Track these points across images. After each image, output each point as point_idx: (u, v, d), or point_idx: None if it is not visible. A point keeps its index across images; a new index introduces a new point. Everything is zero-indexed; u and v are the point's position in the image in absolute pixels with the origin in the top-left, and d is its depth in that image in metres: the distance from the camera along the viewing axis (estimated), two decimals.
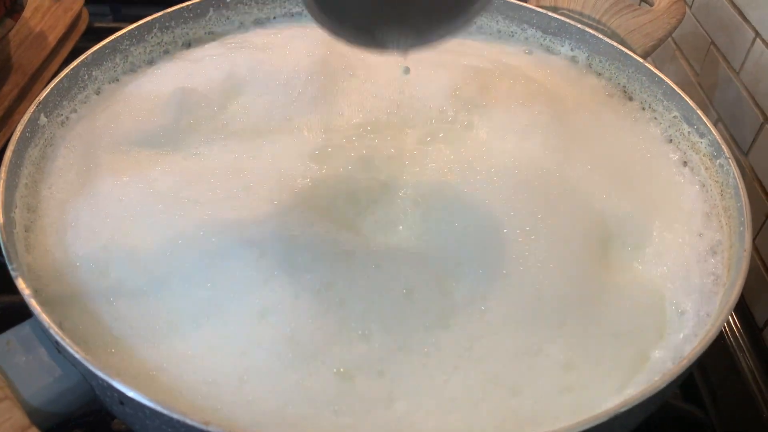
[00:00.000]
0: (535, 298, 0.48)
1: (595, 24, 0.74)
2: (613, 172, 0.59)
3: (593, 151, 0.61)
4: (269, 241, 0.49)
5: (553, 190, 0.55)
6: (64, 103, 0.61)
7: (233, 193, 0.53)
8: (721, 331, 0.45)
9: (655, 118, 0.66)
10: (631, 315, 0.50)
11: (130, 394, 0.39)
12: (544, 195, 0.54)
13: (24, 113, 0.56)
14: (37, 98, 0.58)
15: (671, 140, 0.64)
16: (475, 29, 0.77)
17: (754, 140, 0.70)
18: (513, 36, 0.76)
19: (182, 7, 0.71)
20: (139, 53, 0.69)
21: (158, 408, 0.38)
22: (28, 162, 0.56)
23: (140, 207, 0.52)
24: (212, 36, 0.73)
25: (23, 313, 0.45)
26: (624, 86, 0.70)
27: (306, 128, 0.60)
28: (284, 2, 0.76)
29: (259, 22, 0.75)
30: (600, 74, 0.71)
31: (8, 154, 0.53)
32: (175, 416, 0.38)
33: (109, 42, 0.66)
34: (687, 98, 0.63)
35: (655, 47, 0.73)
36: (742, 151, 0.72)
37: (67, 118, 0.61)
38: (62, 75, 0.61)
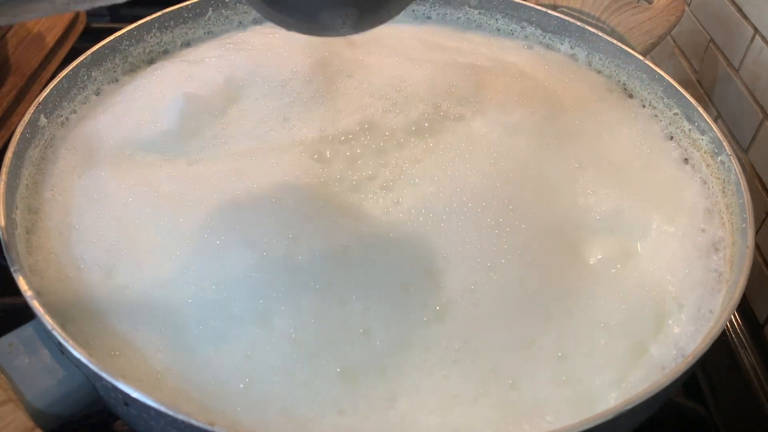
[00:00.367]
0: (520, 290, 0.49)
1: (594, 22, 0.74)
2: (607, 170, 0.59)
3: (586, 149, 0.61)
4: (272, 241, 0.49)
5: (529, 185, 0.56)
6: (64, 103, 0.61)
7: (236, 194, 0.53)
8: (722, 331, 0.45)
9: (656, 116, 0.66)
10: (622, 307, 0.50)
11: (135, 395, 0.39)
12: (520, 190, 0.55)
13: (22, 114, 0.56)
14: (37, 99, 0.57)
15: (672, 137, 0.64)
16: (474, 27, 0.77)
17: (753, 137, 0.70)
18: (512, 34, 0.76)
19: (181, 7, 0.71)
20: (139, 53, 0.69)
21: (163, 409, 0.38)
22: (28, 163, 0.55)
23: (146, 210, 0.52)
24: (211, 35, 0.73)
25: (24, 315, 0.45)
26: (624, 84, 0.70)
27: (305, 129, 0.60)
28: None
29: (257, 21, 0.75)
30: (600, 72, 0.71)
31: (8, 155, 0.52)
32: (180, 417, 0.38)
33: (108, 42, 0.65)
34: (688, 95, 0.63)
35: (654, 45, 0.73)
36: (741, 148, 0.72)
37: (67, 119, 0.61)
38: (62, 75, 0.60)
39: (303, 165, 0.56)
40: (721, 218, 0.56)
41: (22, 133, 0.54)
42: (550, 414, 0.44)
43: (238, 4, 0.74)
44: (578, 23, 0.72)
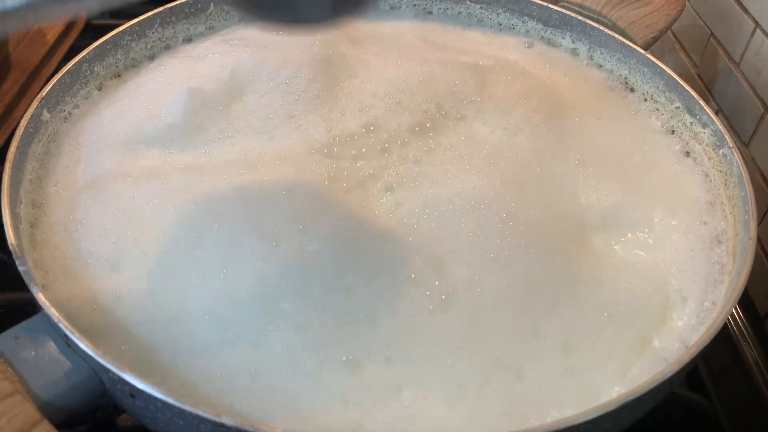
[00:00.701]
0: (524, 280, 0.49)
1: (595, 16, 0.74)
2: (608, 165, 0.60)
3: (588, 145, 0.61)
4: (282, 232, 0.49)
5: (532, 181, 0.56)
6: (67, 98, 0.61)
7: (246, 187, 0.53)
8: (724, 322, 0.45)
9: (657, 110, 0.66)
10: (626, 297, 0.50)
11: (141, 386, 0.39)
12: (522, 186, 0.56)
13: (24, 111, 0.56)
14: (40, 93, 0.57)
15: (673, 131, 0.64)
16: (475, 22, 0.77)
17: (755, 131, 0.70)
18: (514, 29, 0.76)
19: (183, 2, 0.71)
20: (140, 48, 0.69)
21: (170, 400, 0.38)
22: (31, 158, 0.56)
23: (153, 203, 0.52)
24: (213, 31, 0.73)
25: (27, 311, 0.45)
26: (625, 78, 0.70)
27: (310, 126, 0.60)
28: None
29: None
30: (601, 66, 0.72)
31: (12, 149, 0.52)
32: (187, 408, 0.38)
33: (110, 37, 0.66)
34: (689, 89, 0.63)
35: (655, 39, 0.73)
36: (743, 141, 0.72)
37: (70, 113, 0.61)
38: (64, 70, 0.61)
39: (311, 161, 0.56)
40: (723, 211, 0.57)
41: (26, 128, 0.55)
42: (554, 404, 0.44)
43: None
44: (579, 18, 0.72)
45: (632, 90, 0.69)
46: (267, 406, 0.43)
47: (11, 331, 0.44)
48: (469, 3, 0.77)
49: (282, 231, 0.49)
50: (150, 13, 0.69)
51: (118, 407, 0.50)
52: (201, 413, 0.38)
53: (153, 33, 0.69)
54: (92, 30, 0.91)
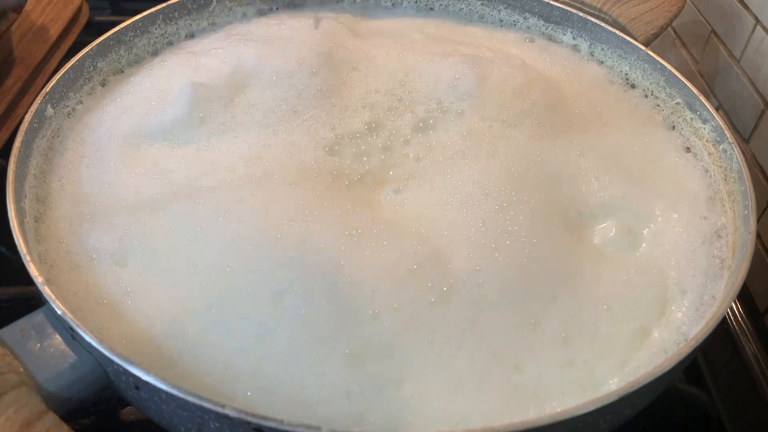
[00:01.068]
0: (524, 271, 0.50)
1: (596, 12, 0.75)
2: (608, 160, 0.60)
3: (589, 139, 0.62)
4: (288, 224, 0.50)
5: (533, 174, 0.57)
6: (70, 94, 0.61)
7: (250, 180, 0.54)
8: (724, 315, 0.45)
9: (658, 105, 0.67)
10: (626, 290, 0.50)
11: (146, 378, 0.39)
12: (523, 179, 0.56)
13: (27, 106, 0.56)
14: (44, 89, 0.58)
15: (674, 127, 0.65)
16: (476, 18, 0.77)
17: (755, 127, 0.70)
18: (515, 25, 0.76)
19: None
20: (143, 44, 0.69)
21: (174, 391, 0.39)
22: (36, 153, 0.56)
23: (158, 197, 0.53)
24: (215, 27, 0.73)
25: (31, 306, 0.45)
26: (626, 74, 0.70)
27: (313, 120, 0.60)
28: None
29: (261, 12, 0.76)
30: (602, 62, 0.72)
31: (17, 144, 0.53)
32: (191, 399, 0.38)
33: (113, 33, 0.66)
34: (690, 85, 0.64)
35: (656, 35, 0.73)
36: (743, 138, 0.72)
37: (74, 109, 0.61)
38: (68, 66, 0.61)
39: (315, 156, 0.57)
40: (723, 206, 0.57)
41: (30, 123, 0.55)
42: (554, 396, 0.45)
43: None
44: (580, 14, 0.73)
45: (633, 86, 0.69)
46: (271, 399, 0.43)
47: (17, 324, 0.44)
48: None
49: (286, 225, 0.49)
50: (153, 10, 0.69)
51: (121, 400, 0.50)
52: (205, 404, 0.38)
53: (156, 29, 0.70)
54: (95, 26, 0.91)
